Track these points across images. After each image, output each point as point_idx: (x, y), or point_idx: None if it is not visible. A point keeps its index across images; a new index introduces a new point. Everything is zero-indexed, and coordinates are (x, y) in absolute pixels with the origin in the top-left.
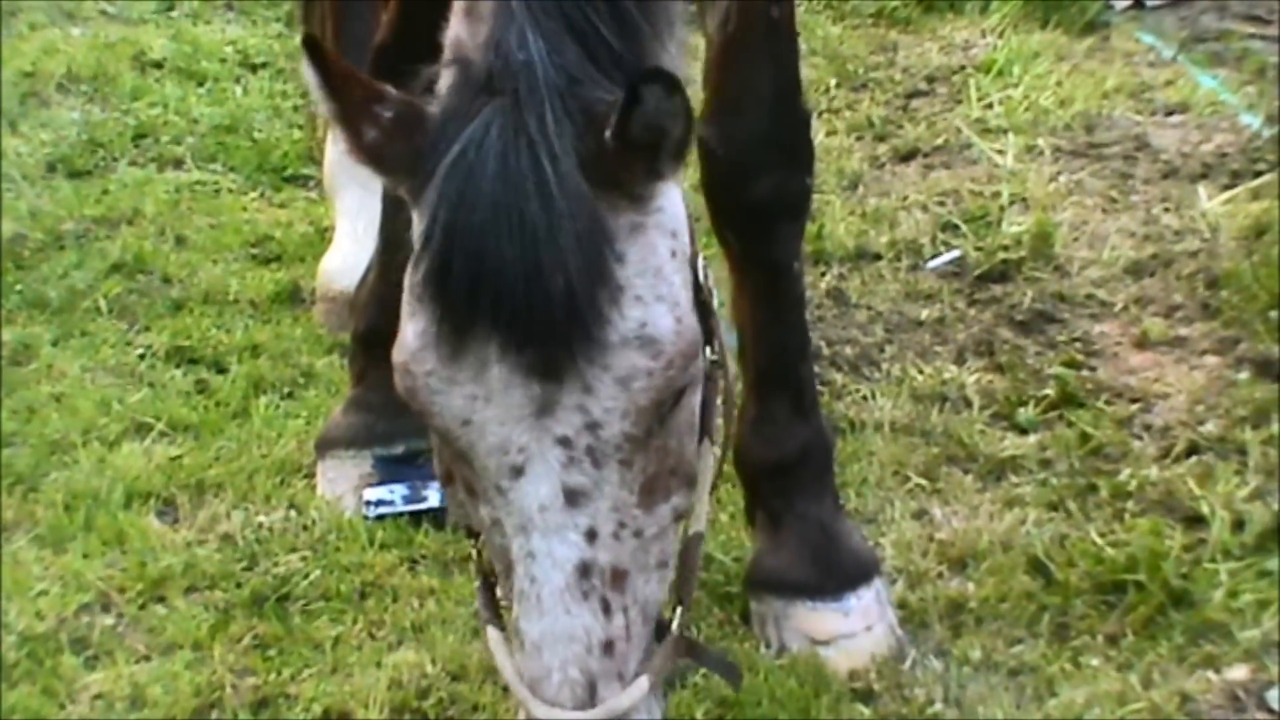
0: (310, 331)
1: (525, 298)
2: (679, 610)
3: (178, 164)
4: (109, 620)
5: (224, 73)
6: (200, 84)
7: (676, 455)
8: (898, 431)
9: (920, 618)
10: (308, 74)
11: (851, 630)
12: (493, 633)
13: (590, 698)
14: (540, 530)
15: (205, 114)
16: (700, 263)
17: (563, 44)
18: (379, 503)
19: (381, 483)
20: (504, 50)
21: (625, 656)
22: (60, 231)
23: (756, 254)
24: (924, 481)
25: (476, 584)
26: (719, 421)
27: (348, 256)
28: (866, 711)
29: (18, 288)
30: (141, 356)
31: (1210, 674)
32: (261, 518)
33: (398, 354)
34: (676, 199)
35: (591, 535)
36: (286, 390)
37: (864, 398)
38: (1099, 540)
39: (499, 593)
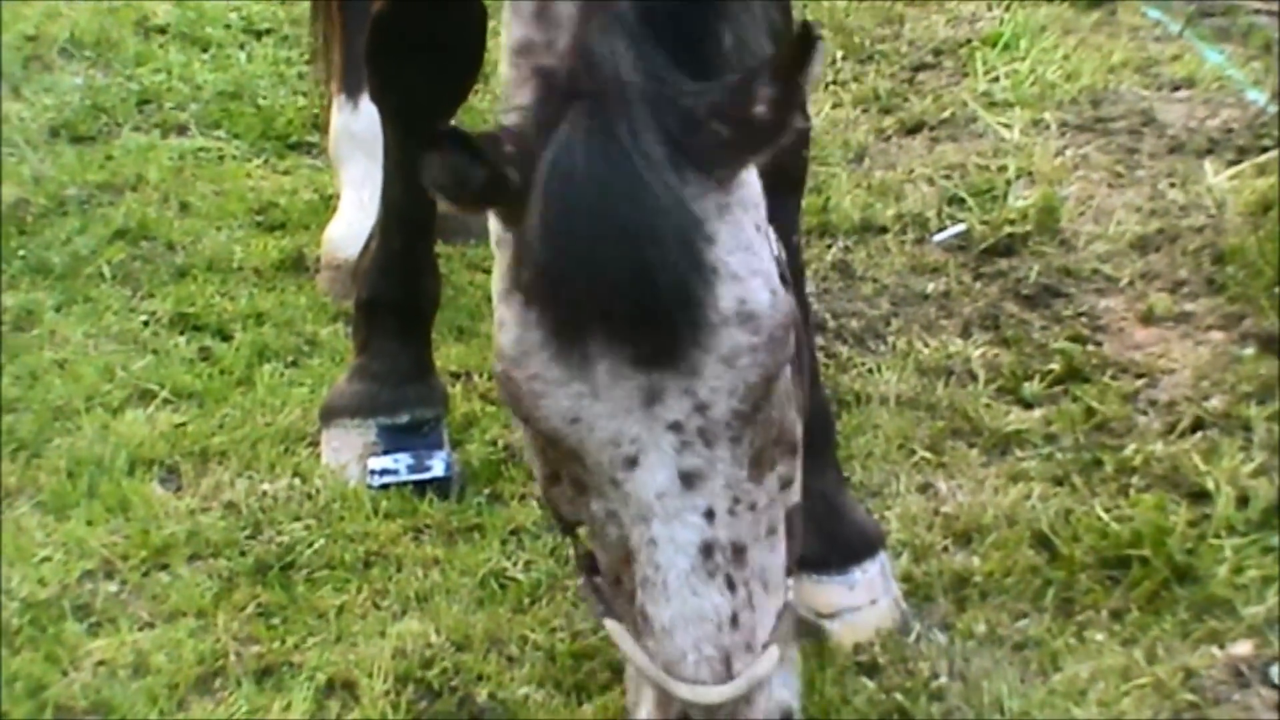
0: (314, 299)
1: (633, 296)
2: (789, 579)
3: (181, 130)
4: (112, 587)
5: (228, 39)
6: (204, 50)
7: (779, 425)
8: (903, 405)
9: (925, 591)
10: (449, 162)
11: (856, 604)
12: (611, 624)
13: (727, 671)
14: (660, 517)
15: (209, 80)
16: (771, 234)
17: (647, 47)
18: (383, 472)
19: (386, 452)
20: (591, 60)
21: (752, 628)
22: (63, 197)
23: None
24: (929, 455)
25: (580, 580)
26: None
27: (353, 225)
28: (870, 685)
29: (20, 253)
30: (145, 323)
31: (1214, 649)
32: (265, 486)
33: (497, 362)
34: (753, 173)
35: (710, 515)
36: (290, 358)
37: (869, 371)
38: (1104, 515)
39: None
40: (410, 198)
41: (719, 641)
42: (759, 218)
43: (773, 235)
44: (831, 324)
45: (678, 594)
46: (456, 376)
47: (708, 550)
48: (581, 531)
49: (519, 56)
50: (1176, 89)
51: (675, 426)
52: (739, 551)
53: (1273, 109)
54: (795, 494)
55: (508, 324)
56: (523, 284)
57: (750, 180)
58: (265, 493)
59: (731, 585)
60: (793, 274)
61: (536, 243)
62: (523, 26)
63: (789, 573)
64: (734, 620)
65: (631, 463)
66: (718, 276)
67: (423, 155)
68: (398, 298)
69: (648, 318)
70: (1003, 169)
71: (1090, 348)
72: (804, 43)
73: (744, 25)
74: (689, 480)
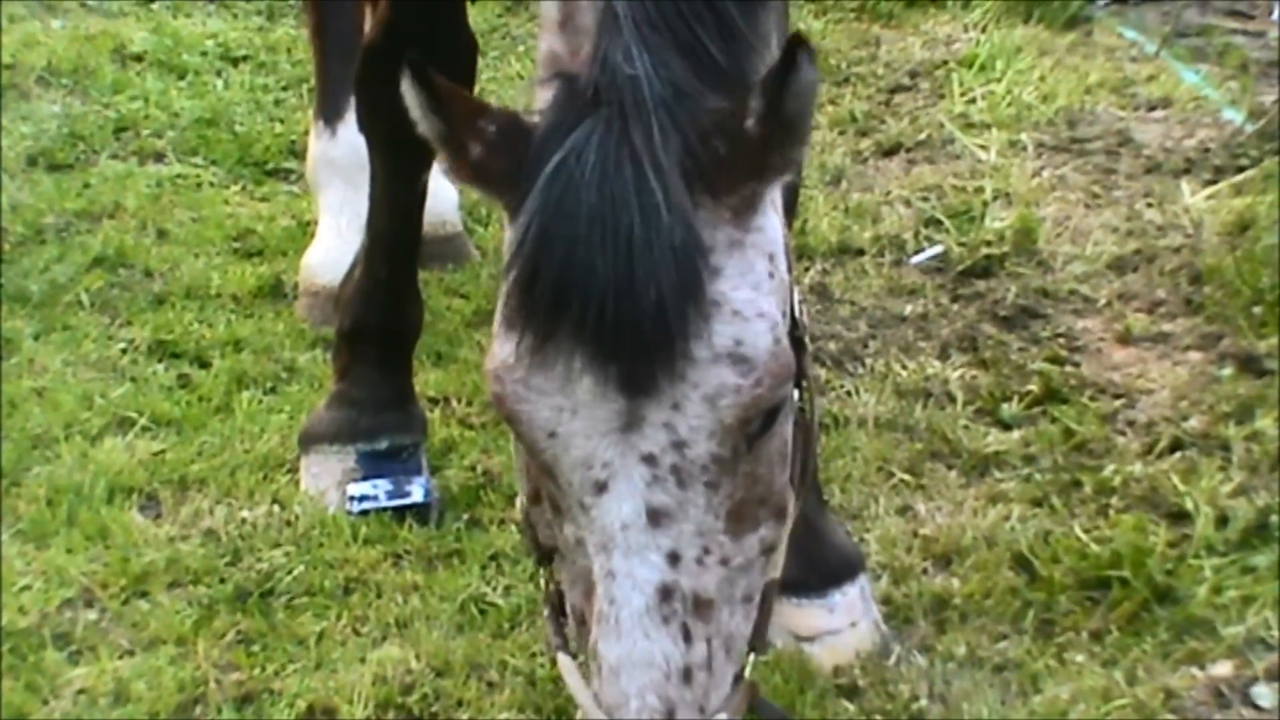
0: (292, 326)
1: (615, 310)
2: (751, 655)
3: (159, 157)
4: (92, 616)
5: (205, 66)
6: (181, 77)
7: (766, 484)
8: (881, 427)
9: (905, 614)
10: (411, 95)
11: (836, 627)
12: (564, 659)
13: None
14: (621, 550)
15: (186, 107)
16: (796, 297)
17: (668, 57)
18: (362, 498)
19: (365, 478)
20: (609, 65)
21: (706, 689)
22: (41, 225)
23: None
24: (908, 477)
25: (545, 612)
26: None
27: (331, 251)
28: (851, 707)
29: None
30: (123, 351)
31: (1195, 670)
32: (244, 513)
33: (489, 361)
34: (776, 223)
35: (674, 558)
36: (269, 385)
37: (848, 393)
38: (1083, 536)
39: (570, 619)
40: (397, 228)
41: (664, 692)
42: (775, 268)
43: (797, 300)
44: (809, 346)
45: (629, 634)
46: (435, 402)
47: (666, 594)
48: (555, 563)
49: (544, 68)
50: (1153, 109)
51: (649, 459)
52: (703, 605)
53: (1249, 128)
54: (777, 567)
55: (500, 323)
56: (512, 277)
57: (769, 227)
58: (244, 520)
59: (689, 637)
60: None
61: (529, 243)
62: (549, 38)
63: (756, 648)
64: (686, 675)
65: (601, 488)
66: (717, 310)
67: (401, 76)
68: (381, 327)
69: (634, 338)
70: (980, 190)
71: (1068, 368)
72: (789, 54)
73: (765, 33)
74: (656, 517)
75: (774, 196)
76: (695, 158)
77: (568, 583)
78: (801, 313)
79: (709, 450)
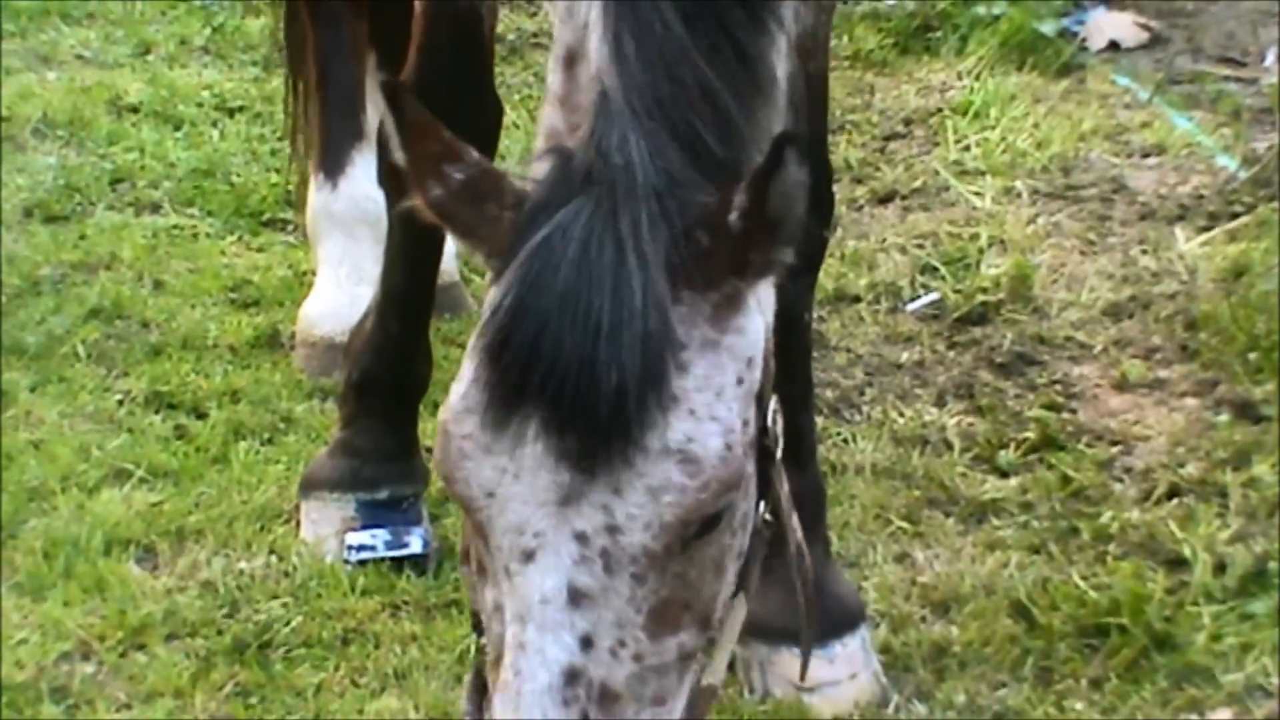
0: (290, 376)
1: (575, 387)
2: None
3: (155, 208)
4: (89, 669)
5: (201, 117)
6: (177, 128)
7: (695, 590)
8: (879, 474)
9: (903, 662)
10: (386, 120)
11: (835, 678)
12: None
13: None
14: (537, 623)
15: (182, 158)
16: (772, 408)
17: (664, 144)
18: (361, 547)
19: (364, 527)
20: (604, 149)
21: None
22: (37, 277)
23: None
24: (906, 525)
25: (468, 677)
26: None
27: (329, 302)
28: None
29: None
30: (120, 402)
31: (1193, 717)
32: (242, 564)
33: (441, 413)
34: (759, 327)
35: (587, 642)
36: (266, 436)
37: (844, 441)
38: (1081, 583)
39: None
40: (411, 284)
41: None
42: (748, 375)
43: (772, 411)
44: (778, 460)
45: (528, 709)
46: (431, 451)
47: (573, 677)
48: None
49: (544, 140)
50: (1147, 156)
51: (581, 537)
52: (609, 697)
53: (1243, 175)
54: (713, 676)
55: (462, 376)
56: (482, 341)
57: (751, 329)
58: (242, 571)
59: None
60: (800, 352)
61: (503, 313)
62: (550, 111)
63: None
64: None
65: (528, 557)
66: (675, 405)
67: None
68: (388, 381)
69: (589, 417)
70: (975, 237)
71: (1065, 415)
72: (775, 150)
73: (767, 127)
74: (577, 597)
75: (762, 298)
76: (680, 250)
77: (488, 648)
78: (774, 423)
79: (642, 542)
